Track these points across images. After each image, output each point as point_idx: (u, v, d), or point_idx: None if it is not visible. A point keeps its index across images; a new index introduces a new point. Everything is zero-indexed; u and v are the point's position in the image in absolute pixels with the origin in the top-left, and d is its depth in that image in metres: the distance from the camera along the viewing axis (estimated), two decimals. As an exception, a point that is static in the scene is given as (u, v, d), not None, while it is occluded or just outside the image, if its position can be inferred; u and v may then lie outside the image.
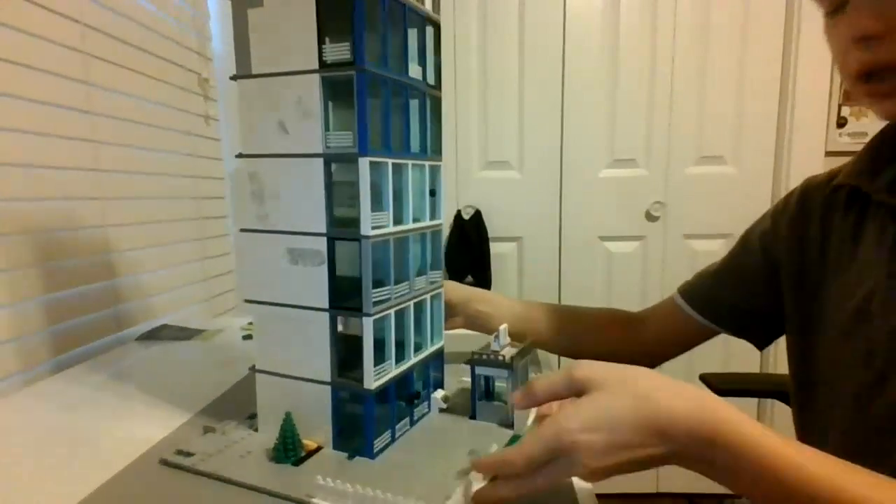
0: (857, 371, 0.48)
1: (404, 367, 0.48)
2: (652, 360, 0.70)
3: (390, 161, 0.44)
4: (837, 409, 0.52)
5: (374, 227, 0.43)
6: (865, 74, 0.42)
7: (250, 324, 0.96)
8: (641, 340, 0.71)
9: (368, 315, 0.43)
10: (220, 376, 0.68)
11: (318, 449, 0.46)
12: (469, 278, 1.58)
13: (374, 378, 0.44)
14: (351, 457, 0.45)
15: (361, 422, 0.45)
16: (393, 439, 0.47)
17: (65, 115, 0.80)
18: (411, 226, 0.48)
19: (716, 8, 1.49)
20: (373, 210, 0.43)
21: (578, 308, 0.77)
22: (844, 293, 0.50)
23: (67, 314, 0.80)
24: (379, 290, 0.44)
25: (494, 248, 1.60)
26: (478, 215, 1.58)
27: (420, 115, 0.49)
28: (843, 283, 0.51)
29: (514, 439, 0.42)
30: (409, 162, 0.47)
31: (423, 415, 0.53)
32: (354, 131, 0.41)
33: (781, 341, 0.63)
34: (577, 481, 0.43)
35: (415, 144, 0.49)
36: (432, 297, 0.53)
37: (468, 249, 1.56)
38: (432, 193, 0.51)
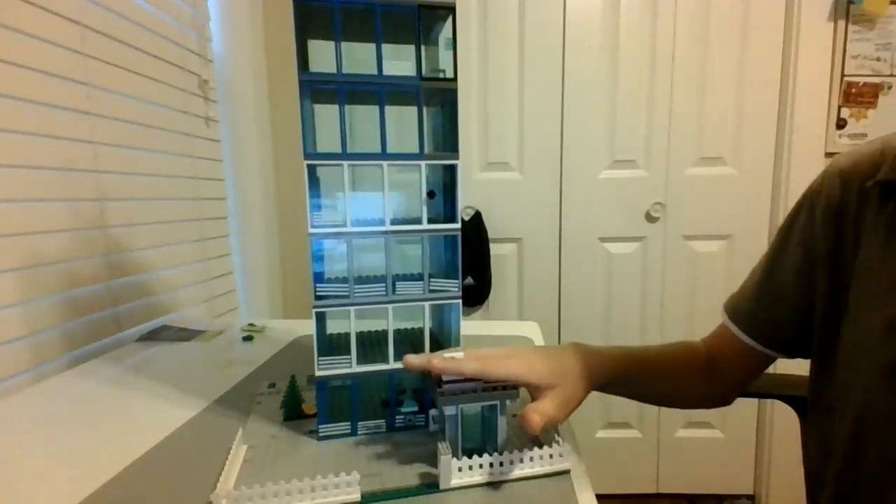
0: (876, 393, 0.44)
1: (372, 368, 0.49)
2: (726, 396, 0.64)
3: (346, 164, 0.46)
4: (841, 435, 0.48)
5: (316, 226, 0.46)
6: None
7: (251, 325, 0.96)
8: (715, 380, 0.62)
9: (314, 308, 0.48)
10: (221, 377, 0.69)
11: (314, 415, 0.52)
12: (469, 279, 1.58)
13: (319, 367, 0.48)
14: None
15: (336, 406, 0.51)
16: (353, 433, 0.50)
17: (65, 117, 0.80)
18: (385, 228, 0.48)
19: (716, 8, 1.49)
20: (321, 209, 0.45)
21: (649, 351, 0.62)
22: (874, 300, 0.46)
23: (67, 315, 0.80)
24: (326, 285, 0.48)
25: (494, 249, 1.60)
26: (478, 216, 1.58)
27: (417, 115, 0.48)
28: (874, 290, 0.46)
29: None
30: (383, 163, 0.47)
31: (414, 426, 0.52)
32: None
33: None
34: (576, 482, 0.43)
35: (399, 145, 0.48)
36: (434, 307, 0.51)
37: (468, 251, 1.56)
38: (430, 195, 0.49)
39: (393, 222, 0.48)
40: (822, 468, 0.52)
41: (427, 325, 0.51)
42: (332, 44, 0.46)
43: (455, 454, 0.43)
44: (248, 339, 0.88)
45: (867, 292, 0.47)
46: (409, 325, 0.57)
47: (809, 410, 0.56)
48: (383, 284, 0.49)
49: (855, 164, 0.50)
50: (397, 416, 0.51)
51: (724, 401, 0.64)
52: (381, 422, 0.51)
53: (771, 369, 0.63)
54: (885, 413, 0.44)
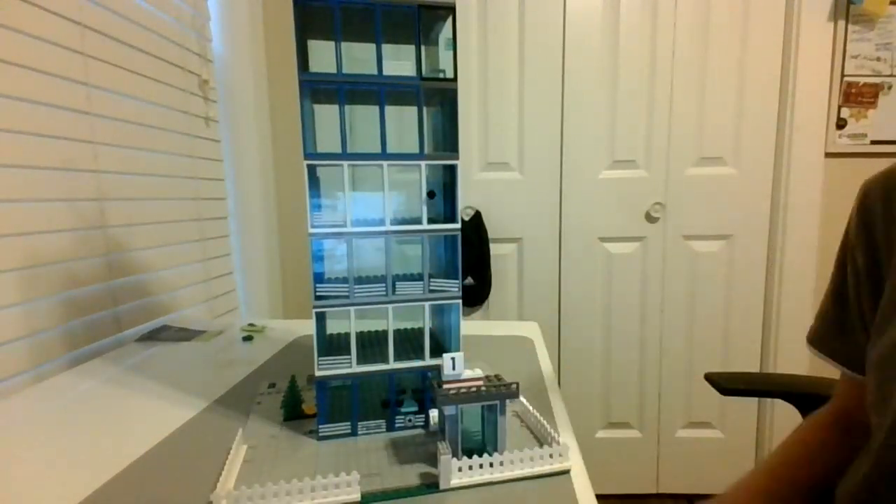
0: None
1: (372, 368, 0.49)
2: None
3: (346, 164, 0.46)
4: (872, 437, 0.47)
5: (316, 226, 0.46)
6: None
7: (251, 325, 0.96)
8: (857, 433, 0.57)
9: (314, 308, 0.48)
10: (221, 377, 0.69)
11: (314, 415, 0.52)
12: (469, 280, 1.58)
13: (319, 367, 0.48)
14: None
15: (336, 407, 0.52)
16: (353, 433, 0.50)
17: (65, 117, 0.80)
18: (385, 228, 0.48)
19: (716, 8, 1.49)
20: (321, 209, 0.45)
21: (789, 458, 0.60)
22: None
23: (67, 315, 0.80)
24: (326, 285, 0.48)
25: (494, 249, 1.60)
26: (478, 216, 1.58)
27: (417, 115, 0.48)
28: None
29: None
30: (383, 164, 0.47)
31: (413, 426, 0.52)
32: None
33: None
34: (576, 482, 0.43)
35: (399, 145, 0.48)
36: (434, 307, 0.51)
37: (468, 251, 1.56)
38: (430, 196, 0.49)
39: (393, 222, 0.48)
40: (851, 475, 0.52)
41: (427, 325, 0.51)
42: (332, 44, 0.46)
43: (455, 454, 0.43)
44: (248, 339, 0.88)
45: (891, 302, 0.47)
46: (409, 325, 0.57)
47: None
48: (383, 284, 0.49)
49: (886, 179, 0.51)
50: (397, 416, 0.51)
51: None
52: (381, 422, 0.51)
53: (772, 369, 0.63)
54: None
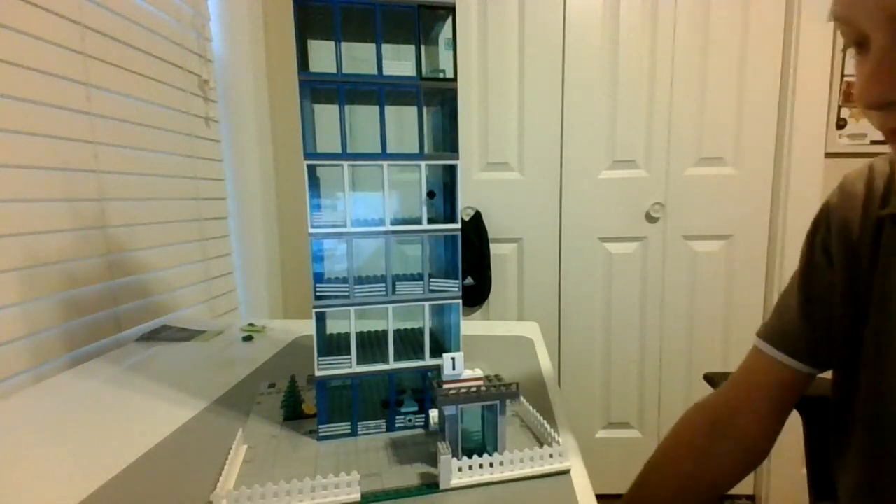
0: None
1: (372, 368, 0.49)
2: (755, 454, 0.61)
3: (346, 164, 0.46)
4: (862, 455, 0.49)
5: (316, 226, 0.46)
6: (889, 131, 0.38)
7: (251, 325, 0.96)
8: (735, 435, 0.60)
9: (314, 308, 0.48)
10: (221, 377, 0.69)
11: (314, 415, 0.52)
12: (469, 279, 1.58)
13: (319, 367, 0.48)
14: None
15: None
16: (353, 433, 0.51)
17: (65, 117, 0.80)
18: (385, 228, 0.48)
19: (716, 8, 1.49)
20: (321, 209, 0.45)
21: (655, 454, 0.63)
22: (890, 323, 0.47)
23: (67, 315, 0.80)
24: (326, 285, 0.48)
25: (494, 249, 1.60)
26: (478, 216, 1.58)
27: (417, 115, 0.48)
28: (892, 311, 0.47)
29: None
30: (384, 164, 0.47)
31: (413, 426, 0.52)
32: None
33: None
34: (576, 482, 0.43)
35: (399, 145, 0.48)
36: (434, 307, 0.51)
37: (468, 251, 1.56)
38: (431, 195, 0.49)
39: (393, 222, 0.49)
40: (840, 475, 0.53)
41: (427, 325, 0.51)
42: (332, 44, 0.46)
43: (455, 454, 0.43)
44: (248, 339, 0.88)
45: (888, 312, 0.47)
46: (409, 325, 0.57)
47: (836, 419, 0.57)
48: (383, 284, 0.49)
49: (854, 187, 0.53)
50: (397, 416, 0.51)
51: (761, 452, 0.62)
52: (381, 422, 0.51)
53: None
54: None
